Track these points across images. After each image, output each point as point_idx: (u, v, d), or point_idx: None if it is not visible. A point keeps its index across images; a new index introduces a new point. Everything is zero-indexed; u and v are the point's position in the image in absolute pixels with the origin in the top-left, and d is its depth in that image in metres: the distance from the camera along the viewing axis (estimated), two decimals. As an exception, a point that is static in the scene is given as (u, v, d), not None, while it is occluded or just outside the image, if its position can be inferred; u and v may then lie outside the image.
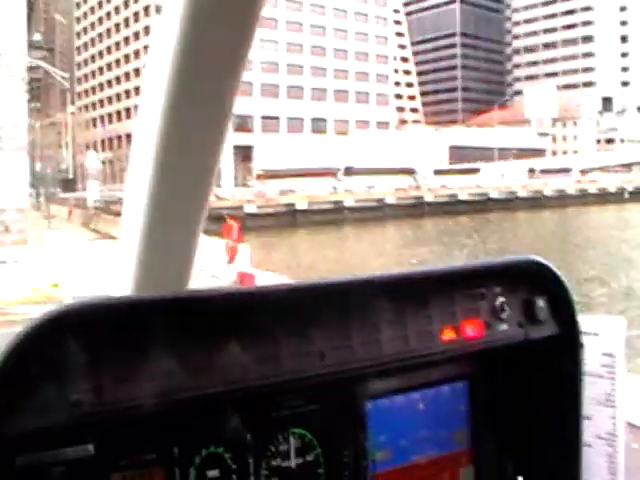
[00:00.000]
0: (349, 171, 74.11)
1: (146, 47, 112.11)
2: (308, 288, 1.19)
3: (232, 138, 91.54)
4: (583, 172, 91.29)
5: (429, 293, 1.25)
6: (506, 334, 1.31)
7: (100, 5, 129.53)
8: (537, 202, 69.84)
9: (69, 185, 54.19)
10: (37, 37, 49.71)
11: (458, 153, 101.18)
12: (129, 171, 1.09)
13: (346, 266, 27.93)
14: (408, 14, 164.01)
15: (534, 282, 1.35)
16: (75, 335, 0.93)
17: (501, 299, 1.30)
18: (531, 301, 1.34)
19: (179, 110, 0.94)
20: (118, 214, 33.20)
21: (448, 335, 1.25)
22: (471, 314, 1.28)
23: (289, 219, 53.35)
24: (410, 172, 78.02)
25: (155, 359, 0.99)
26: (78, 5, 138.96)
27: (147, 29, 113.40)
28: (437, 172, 79.67)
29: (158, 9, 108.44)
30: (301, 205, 57.33)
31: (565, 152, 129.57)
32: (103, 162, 67.35)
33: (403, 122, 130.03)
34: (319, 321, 1.14)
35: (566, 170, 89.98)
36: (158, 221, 1.08)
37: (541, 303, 1.34)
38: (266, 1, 0.89)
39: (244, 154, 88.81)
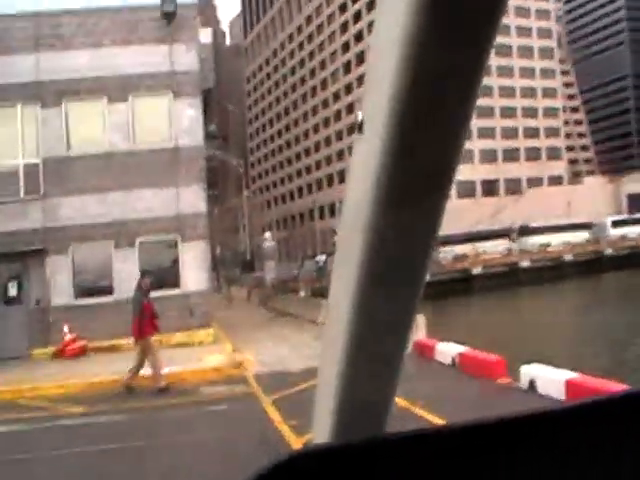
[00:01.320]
0: (524, 231, 71.60)
1: (315, 126, 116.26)
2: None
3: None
4: None
5: None
6: None
7: (269, 91, 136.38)
8: None
9: (247, 266, 56.38)
10: (212, 127, 52.73)
11: (638, 201, 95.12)
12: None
13: (524, 332, 26.91)
14: (574, 63, 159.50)
15: None
16: None
17: None
18: None
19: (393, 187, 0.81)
20: (293, 291, 34.06)
21: None
22: None
23: (464, 285, 52.24)
24: (587, 226, 74.04)
25: None
26: (249, 94, 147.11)
27: (315, 109, 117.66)
28: (615, 223, 74.81)
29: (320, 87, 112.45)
30: (476, 270, 56.22)
31: None
32: (278, 241, 69.64)
33: (576, 175, 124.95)
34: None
35: None
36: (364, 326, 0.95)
37: None
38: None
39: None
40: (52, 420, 12.01)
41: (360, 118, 0.84)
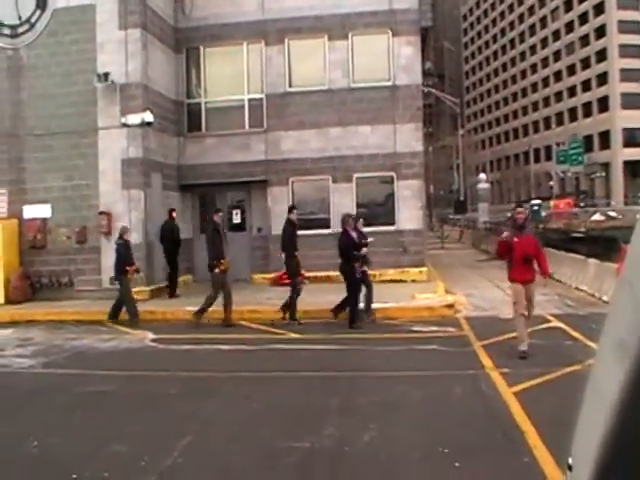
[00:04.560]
0: None
1: (533, 66, 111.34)
2: None
3: (621, 153, 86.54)
4: None
5: None
6: None
7: (486, 29, 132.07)
8: None
9: (460, 206, 55.74)
10: (428, 65, 52.33)
11: None
12: None
13: None
14: None
15: None
16: None
17: None
18: None
19: None
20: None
21: None
22: None
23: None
24: None
25: None
26: (465, 31, 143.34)
27: (533, 48, 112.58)
28: None
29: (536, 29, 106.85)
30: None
31: None
32: (491, 183, 68.22)
33: None
34: None
35: None
36: None
37: None
38: None
39: (634, 170, 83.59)
40: (269, 343, 12.59)
41: None
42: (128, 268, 15.61)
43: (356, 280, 14.05)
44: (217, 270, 14.62)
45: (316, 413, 8.00)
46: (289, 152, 21.50)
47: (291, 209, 15.63)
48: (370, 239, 15.03)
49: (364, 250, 14.30)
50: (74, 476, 6.15)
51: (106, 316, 15.70)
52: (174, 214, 19.62)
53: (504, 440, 6.76)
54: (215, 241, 14.83)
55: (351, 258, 13.95)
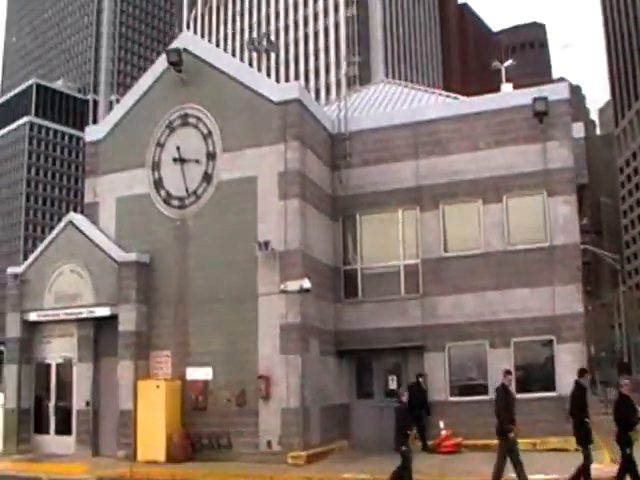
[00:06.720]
0: None
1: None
2: None
3: None
4: None
5: None
6: None
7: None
8: None
9: (623, 367, 52.62)
10: (585, 222, 51.61)
11: None
12: None
13: None
14: None
15: None
16: None
17: None
18: None
19: None
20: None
21: None
22: None
23: None
24: None
25: None
26: (622, 184, 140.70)
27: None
28: None
29: None
30: None
31: None
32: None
33: None
34: None
35: None
36: None
37: None
38: None
39: None
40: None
41: None
42: (409, 432, 14.67)
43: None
44: (511, 434, 13.95)
45: None
46: (445, 317, 21.33)
47: (582, 372, 14.68)
48: None
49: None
50: None
51: None
52: (421, 379, 20.74)
53: None
54: (508, 403, 14.29)
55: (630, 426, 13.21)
